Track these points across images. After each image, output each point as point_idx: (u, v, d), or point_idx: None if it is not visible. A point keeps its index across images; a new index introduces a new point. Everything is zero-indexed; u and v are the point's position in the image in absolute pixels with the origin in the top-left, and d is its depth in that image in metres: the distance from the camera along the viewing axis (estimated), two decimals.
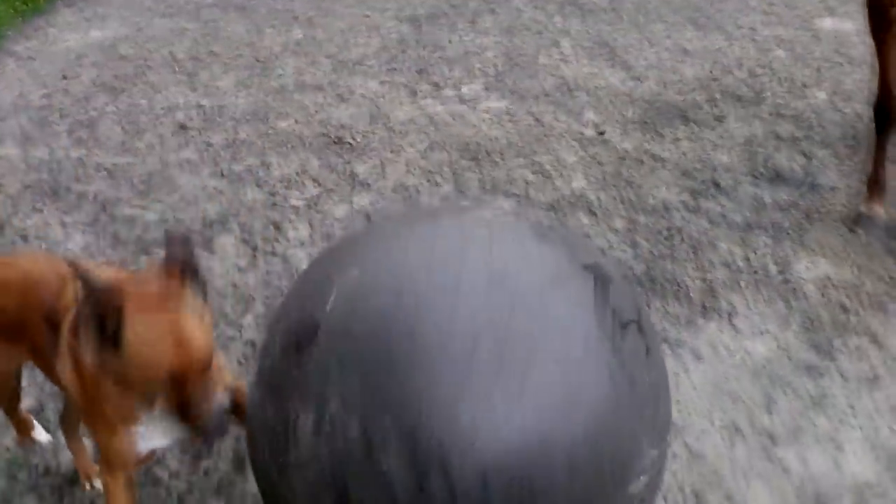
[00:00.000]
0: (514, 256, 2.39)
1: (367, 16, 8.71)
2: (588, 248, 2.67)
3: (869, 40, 4.77)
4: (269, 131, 6.26)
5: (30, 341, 2.75)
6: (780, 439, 3.42)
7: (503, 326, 2.17)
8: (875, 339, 3.94)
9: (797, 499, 3.18)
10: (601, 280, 2.38)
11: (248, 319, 4.31)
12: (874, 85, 4.82)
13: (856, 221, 4.83)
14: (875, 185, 4.88)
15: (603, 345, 2.26)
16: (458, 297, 2.20)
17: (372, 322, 2.23)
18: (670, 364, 3.78)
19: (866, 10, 4.72)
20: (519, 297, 2.24)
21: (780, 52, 7.48)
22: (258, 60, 7.60)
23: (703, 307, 4.19)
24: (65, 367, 2.53)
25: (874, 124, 4.90)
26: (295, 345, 2.32)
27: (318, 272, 2.53)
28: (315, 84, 7.08)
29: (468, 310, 2.18)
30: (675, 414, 3.49)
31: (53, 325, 2.58)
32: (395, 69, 7.38)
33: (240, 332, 4.23)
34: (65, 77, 7.51)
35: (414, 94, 6.84)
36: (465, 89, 6.90)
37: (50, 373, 2.74)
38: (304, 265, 4.66)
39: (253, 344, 4.13)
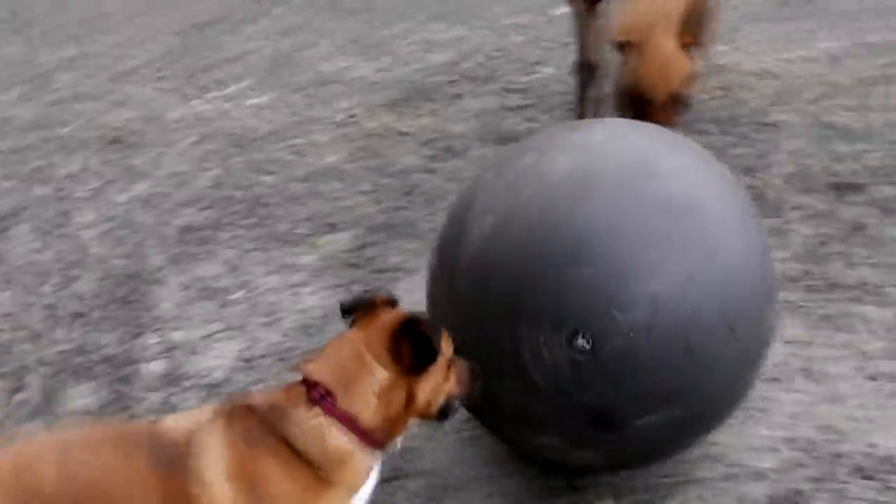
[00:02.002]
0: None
1: (139, 30, 9.33)
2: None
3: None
4: (53, 137, 6.85)
5: None
6: None
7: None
8: None
9: None
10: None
11: (45, 289, 4.95)
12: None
13: None
14: None
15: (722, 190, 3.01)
16: None
17: None
18: (407, 284, 4.59)
19: None
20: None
21: (517, 37, 8.42)
22: (37, 76, 8.15)
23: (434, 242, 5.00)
24: None
25: (576, 83, 5.81)
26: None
27: None
28: (92, 94, 7.70)
29: None
30: None
31: None
32: (166, 76, 8.04)
33: (39, 298, 4.86)
34: None
35: (185, 96, 7.52)
36: (231, 89, 7.62)
37: None
38: (94, 244, 5.31)
39: (50, 307, 4.77)
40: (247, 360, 4.15)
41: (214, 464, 2.31)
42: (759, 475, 3.34)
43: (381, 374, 2.40)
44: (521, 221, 2.85)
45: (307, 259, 4.95)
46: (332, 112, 6.95)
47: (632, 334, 2.72)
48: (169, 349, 4.29)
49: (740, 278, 2.89)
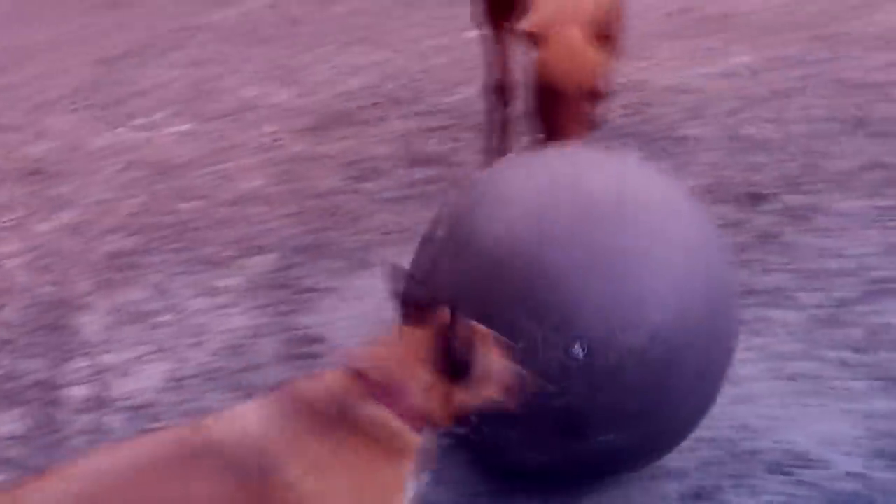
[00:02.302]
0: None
1: (61, 60, 9.32)
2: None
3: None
4: None
5: None
6: None
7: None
8: None
9: None
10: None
11: None
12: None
13: None
14: (492, 151, 5.90)
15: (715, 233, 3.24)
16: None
17: None
18: (333, 303, 4.66)
19: (474, 5, 5.73)
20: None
21: (439, 59, 8.55)
22: None
23: (359, 261, 5.07)
24: None
25: (486, 105, 5.92)
26: None
27: None
28: (13, 125, 7.69)
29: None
30: (339, 334, 4.37)
31: None
32: (91, 105, 8.06)
33: None
34: None
35: (109, 124, 7.55)
36: (156, 116, 7.66)
37: None
38: (20, 273, 5.32)
39: None
40: (177, 381, 4.19)
41: (293, 461, 2.36)
42: (680, 474, 3.44)
43: (423, 377, 2.47)
44: (550, 223, 2.96)
45: (234, 281, 5.00)
46: (257, 137, 7.01)
47: (626, 355, 2.85)
48: (99, 372, 4.32)
49: (724, 317, 3.12)
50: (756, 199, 5.16)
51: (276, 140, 6.92)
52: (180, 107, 7.84)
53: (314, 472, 2.37)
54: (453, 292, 2.92)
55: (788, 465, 3.44)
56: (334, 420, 2.43)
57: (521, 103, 5.72)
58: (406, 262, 4.88)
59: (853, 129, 6.16)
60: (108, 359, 4.41)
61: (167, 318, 4.70)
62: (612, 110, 6.48)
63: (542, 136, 4.71)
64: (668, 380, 2.95)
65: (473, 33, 9.05)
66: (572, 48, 4.57)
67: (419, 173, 6.12)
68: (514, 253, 2.96)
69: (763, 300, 4.35)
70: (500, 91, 5.78)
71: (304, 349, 4.30)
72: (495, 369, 2.61)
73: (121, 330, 4.63)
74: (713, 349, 3.09)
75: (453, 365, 2.47)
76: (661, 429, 3.11)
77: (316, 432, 2.42)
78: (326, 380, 2.51)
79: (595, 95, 4.59)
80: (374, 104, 7.53)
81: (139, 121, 7.59)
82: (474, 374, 2.52)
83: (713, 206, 5.11)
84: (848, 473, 3.40)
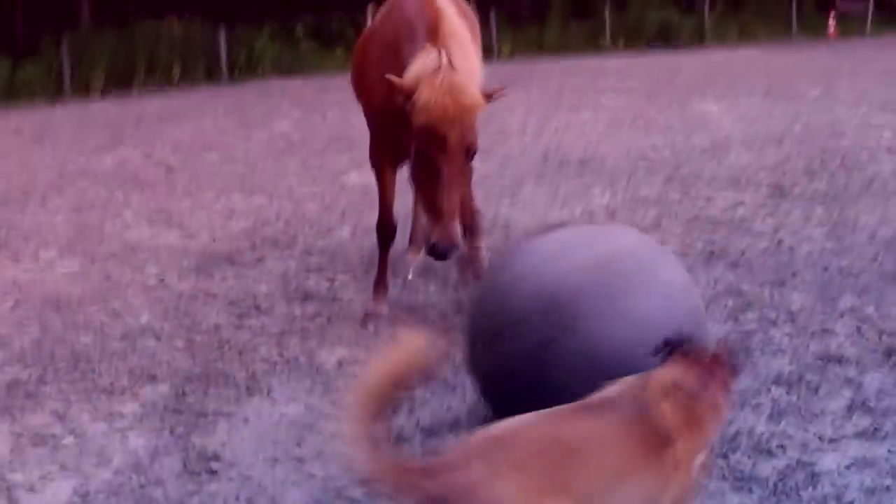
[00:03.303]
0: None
1: None
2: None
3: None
4: None
5: None
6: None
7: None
8: None
9: (323, 494, 4.45)
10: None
11: None
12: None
13: (366, 318, 6.30)
14: (378, 288, 6.40)
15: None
16: None
17: None
18: (226, 425, 5.04)
19: (371, 152, 6.27)
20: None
21: (312, 205, 9.11)
22: None
23: (248, 389, 5.46)
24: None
25: (378, 241, 6.43)
26: None
27: None
28: None
29: None
30: (235, 452, 4.73)
31: None
32: None
33: None
34: None
35: None
36: (42, 257, 8.01)
37: None
38: None
39: None
40: (82, 496, 4.48)
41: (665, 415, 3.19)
42: None
43: None
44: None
45: (131, 407, 5.33)
46: (143, 277, 7.42)
47: None
48: (7, 488, 4.58)
49: None
50: None
51: (161, 280, 7.34)
52: (66, 248, 8.22)
53: (678, 427, 3.19)
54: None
55: None
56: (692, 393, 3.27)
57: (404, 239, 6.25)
58: (294, 388, 5.33)
59: (707, 262, 6.86)
60: (15, 477, 4.69)
61: (69, 440, 5.01)
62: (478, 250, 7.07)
63: (427, 204, 5.22)
64: None
65: (344, 180, 9.71)
66: (452, 83, 5.03)
67: (298, 310, 6.59)
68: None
69: None
70: (393, 229, 6.32)
71: (203, 466, 4.66)
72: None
73: (25, 451, 4.90)
74: None
75: None
76: None
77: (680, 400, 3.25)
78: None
79: (472, 151, 5.12)
80: (253, 247, 8.03)
81: (27, 262, 7.93)
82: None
83: None
84: None
